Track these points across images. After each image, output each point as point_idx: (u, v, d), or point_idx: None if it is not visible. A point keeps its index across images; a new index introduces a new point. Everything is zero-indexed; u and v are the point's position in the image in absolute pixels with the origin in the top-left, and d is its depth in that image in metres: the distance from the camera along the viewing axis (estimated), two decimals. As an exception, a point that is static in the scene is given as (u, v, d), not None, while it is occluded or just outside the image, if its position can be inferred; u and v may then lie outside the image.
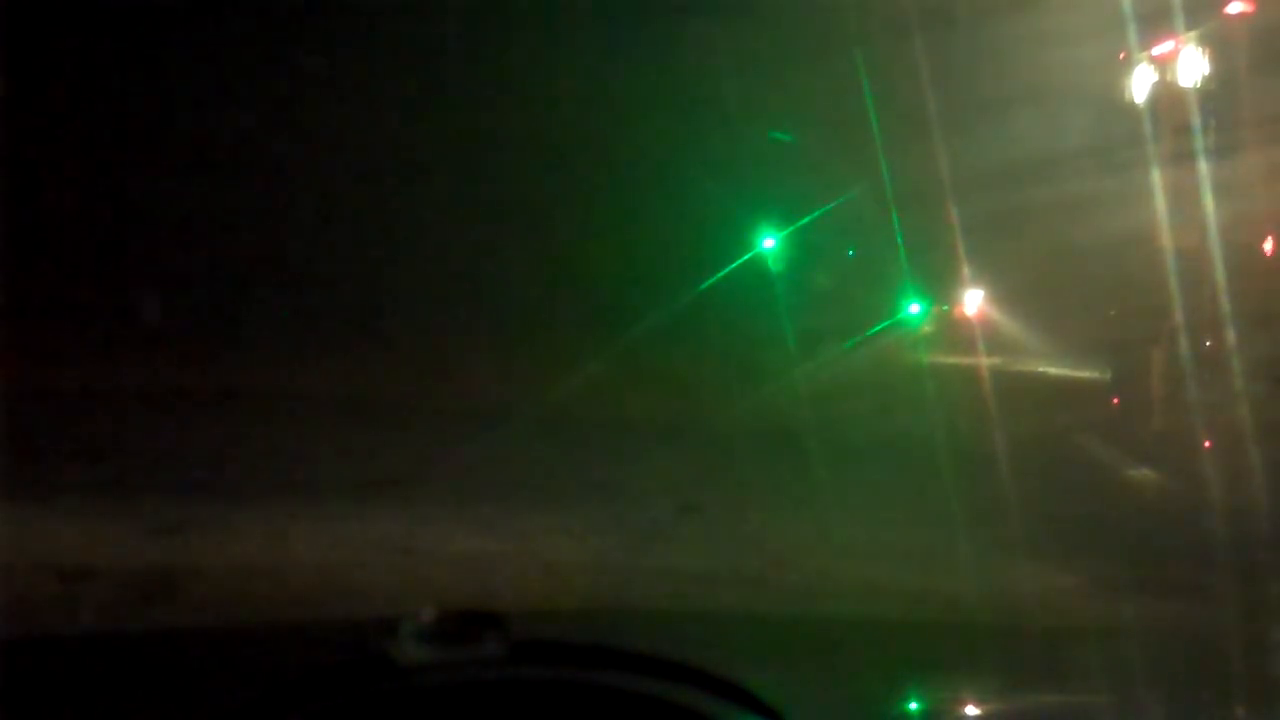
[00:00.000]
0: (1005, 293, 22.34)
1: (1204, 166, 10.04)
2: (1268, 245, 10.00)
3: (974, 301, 22.97)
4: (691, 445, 11.11)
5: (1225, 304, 9.72)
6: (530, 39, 21.08)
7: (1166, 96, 10.98)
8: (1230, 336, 9.79)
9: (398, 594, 6.32)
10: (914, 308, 22.70)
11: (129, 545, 7.13)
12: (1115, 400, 12.32)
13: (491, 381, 14.45)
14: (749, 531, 8.32)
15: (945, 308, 23.91)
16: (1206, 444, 9.91)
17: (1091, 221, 12.06)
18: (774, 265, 21.43)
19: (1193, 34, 10.51)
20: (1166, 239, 10.42)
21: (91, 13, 18.68)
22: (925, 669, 2.48)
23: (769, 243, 21.66)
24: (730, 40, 21.44)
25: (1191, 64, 10.57)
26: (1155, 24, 10.76)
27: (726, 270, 20.01)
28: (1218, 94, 10.37)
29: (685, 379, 15.00)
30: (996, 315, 22.48)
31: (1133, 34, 10.97)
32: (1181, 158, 10.46)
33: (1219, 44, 10.41)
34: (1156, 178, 10.58)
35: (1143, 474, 10.68)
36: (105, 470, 8.94)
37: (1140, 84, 11.35)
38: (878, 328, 21.27)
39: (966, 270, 21.52)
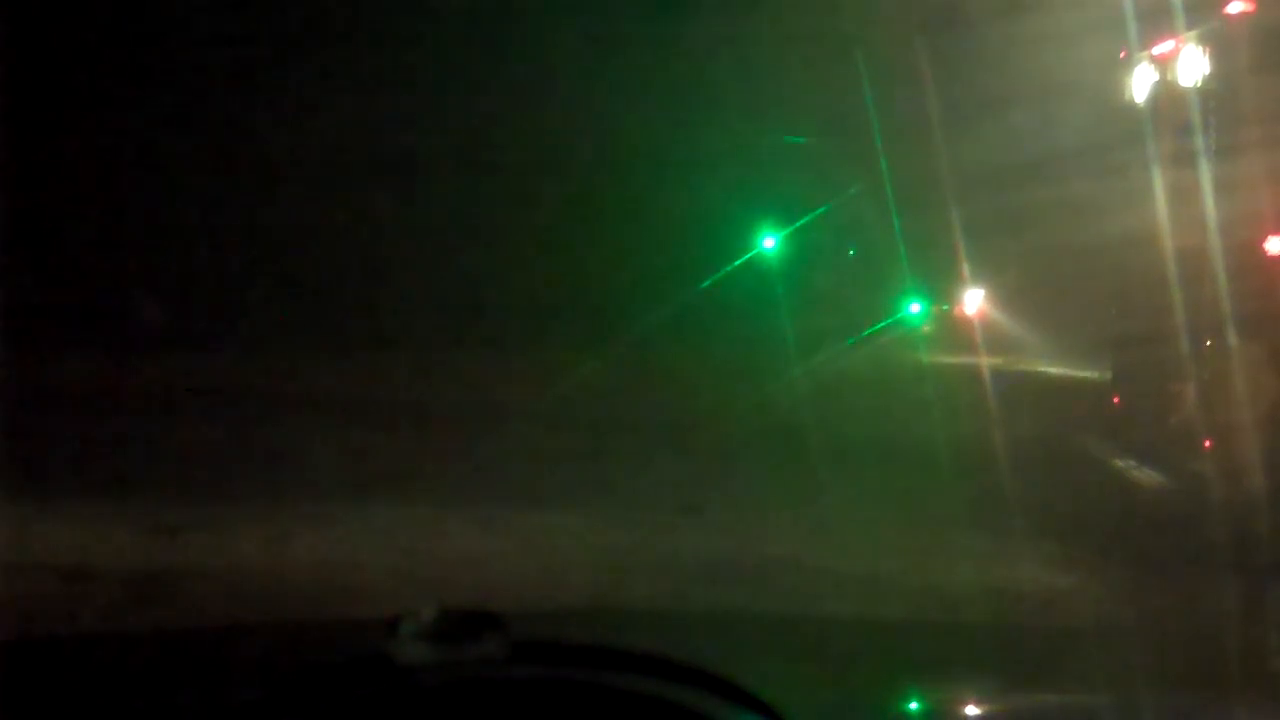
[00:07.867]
0: (1005, 292, 22.35)
1: (1204, 166, 10.03)
2: (1268, 245, 9.98)
3: (974, 301, 22.96)
4: (692, 445, 11.11)
5: (1226, 304, 9.71)
6: (530, 40, 21.09)
7: (1166, 96, 10.97)
8: (1231, 336, 9.78)
9: (398, 594, 6.32)
10: (914, 307, 22.68)
11: (129, 546, 7.14)
12: (1115, 400, 12.30)
13: (492, 382, 14.45)
14: (749, 531, 8.32)
15: (945, 307, 23.90)
16: (1207, 444, 9.90)
17: (1091, 221, 12.04)
18: (774, 265, 21.42)
19: (1193, 34, 10.49)
20: (1167, 239, 10.40)
21: (94, 12, 18.69)
22: (925, 669, 2.49)
23: (769, 242, 21.65)
24: (730, 40, 21.45)
25: (1192, 64, 10.56)
26: (1155, 24, 10.75)
27: (727, 270, 20.01)
28: (1218, 94, 10.35)
29: (686, 379, 15.00)
30: (996, 315, 22.47)
31: (1133, 34, 10.97)
32: (1181, 157, 10.45)
33: (1219, 44, 10.40)
34: (1156, 177, 10.57)
35: (1143, 474, 10.67)
36: (105, 470, 8.94)
37: (1140, 84, 11.34)
38: (878, 327, 21.26)
39: (966, 270, 21.51)
